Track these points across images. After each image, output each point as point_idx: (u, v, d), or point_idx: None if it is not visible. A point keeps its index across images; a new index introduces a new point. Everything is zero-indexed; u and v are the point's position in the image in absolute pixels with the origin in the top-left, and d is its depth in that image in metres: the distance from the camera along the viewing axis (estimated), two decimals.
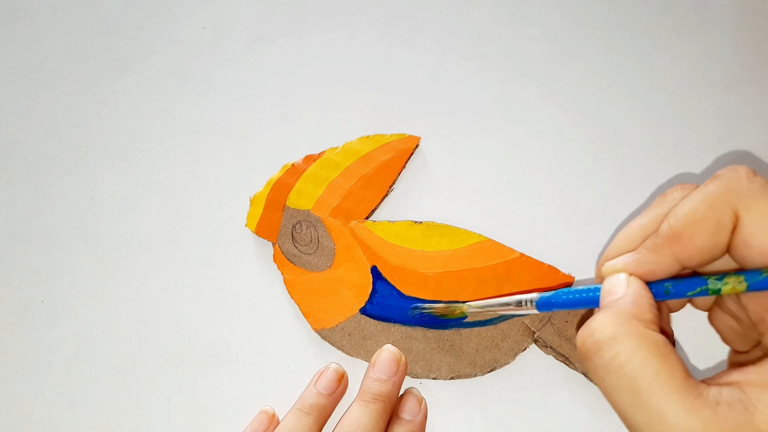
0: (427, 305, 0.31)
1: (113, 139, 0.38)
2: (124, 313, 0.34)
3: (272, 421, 0.31)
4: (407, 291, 0.32)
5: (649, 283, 0.22)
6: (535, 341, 0.32)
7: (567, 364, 0.31)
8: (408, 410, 0.30)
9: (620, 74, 0.37)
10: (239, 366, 0.33)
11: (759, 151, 0.35)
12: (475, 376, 0.31)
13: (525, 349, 0.32)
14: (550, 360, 0.32)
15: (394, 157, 0.35)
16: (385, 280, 0.32)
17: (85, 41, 0.40)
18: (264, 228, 0.34)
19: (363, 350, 0.32)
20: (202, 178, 0.37)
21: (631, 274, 0.22)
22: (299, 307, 0.33)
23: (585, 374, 0.31)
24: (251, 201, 0.35)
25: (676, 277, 0.22)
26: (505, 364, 0.31)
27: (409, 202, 0.35)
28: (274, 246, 0.34)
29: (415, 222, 0.34)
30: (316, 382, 0.30)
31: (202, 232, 0.35)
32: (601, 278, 0.23)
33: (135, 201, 0.36)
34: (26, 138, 0.38)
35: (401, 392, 0.31)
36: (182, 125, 0.38)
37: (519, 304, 0.26)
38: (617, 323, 0.20)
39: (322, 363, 0.32)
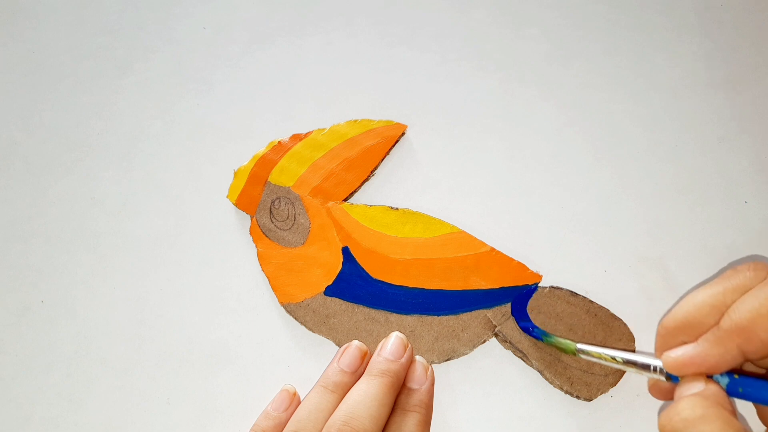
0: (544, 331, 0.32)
1: (113, 139, 0.38)
2: (124, 313, 0.34)
3: (293, 400, 0.31)
4: (375, 274, 0.33)
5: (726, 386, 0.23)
6: (496, 335, 0.32)
7: (524, 360, 0.32)
8: (415, 379, 0.30)
9: (620, 74, 0.37)
10: (239, 366, 0.33)
11: (759, 151, 0.35)
12: (432, 363, 0.32)
13: (484, 341, 0.32)
14: (507, 354, 0.32)
15: (379, 143, 0.36)
16: (355, 262, 0.33)
17: (85, 41, 0.40)
18: (244, 201, 0.35)
19: (325, 327, 0.33)
20: (202, 178, 0.37)
21: (696, 372, 0.23)
22: (269, 280, 0.34)
23: (541, 372, 0.31)
24: (235, 174, 0.35)
25: (740, 371, 0.23)
26: (463, 354, 0.32)
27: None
28: (251, 219, 0.35)
29: (391, 208, 0.34)
30: (339, 359, 0.30)
31: (202, 232, 0.35)
32: (662, 350, 0.25)
33: (135, 201, 0.36)
34: (26, 138, 0.38)
35: None
36: (182, 125, 0.38)
37: (645, 367, 0.26)
38: (705, 406, 0.21)
39: (322, 363, 0.32)
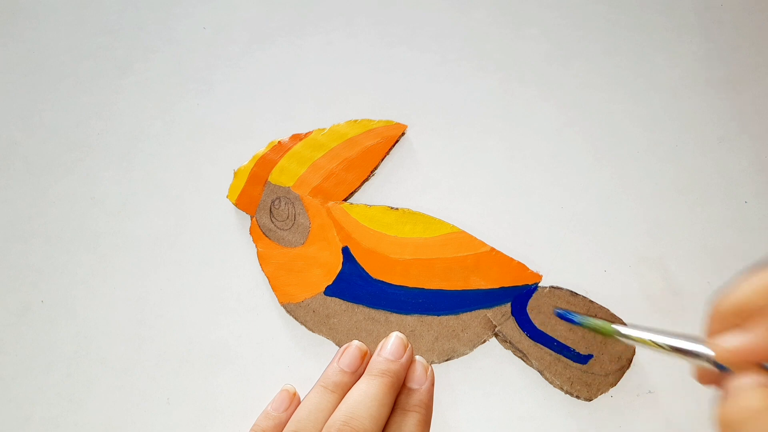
0: (578, 314, 0.31)
1: (113, 139, 0.38)
2: (124, 313, 0.34)
3: (293, 400, 0.30)
4: (375, 274, 0.33)
5: None
6: (496, 335, 0.32)
7: (524, 360, 0.32)
8: (415, 379, 0.29)
9: (620, 74, 0.37)
10: (239, 366, 0.33)
11: (759, 151, 0.35)
12: (432, 363, 0.32)
13: (484, 341, 0.32)
14: (507, 354, 0.32)
15: (379, 143, 0.36)
16: (355, 262, 0.33)
17: (85, 41, 0.40)
18: (244, 201, 0.35)
19: (325, 327, 0.33)
20: (202, 178, 0.37)
21: (749, 362, 0.22)
22: (269, 280, 0.34)
23: (541, 372, 0.31)
24: (235, 174, 0.35)
25: None
26: (463, 354, 0.32)
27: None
28: (251, 219, 0.35)
29: (391, 208, 0.34)
30: (339, 359, 0.30)
31: (202, 232, 0.35)
32: (713, 334, 0.23)
33: (135, 201, 0.36)
34: (26, 138, 0.38)
35: None
36: (182, 125, 0.38)
37: (694, 355, 0.24)
38: (766, 396, 0.21)
39: (322, 363, 0.32)
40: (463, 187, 0.35)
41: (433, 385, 0.30)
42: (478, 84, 0.38)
